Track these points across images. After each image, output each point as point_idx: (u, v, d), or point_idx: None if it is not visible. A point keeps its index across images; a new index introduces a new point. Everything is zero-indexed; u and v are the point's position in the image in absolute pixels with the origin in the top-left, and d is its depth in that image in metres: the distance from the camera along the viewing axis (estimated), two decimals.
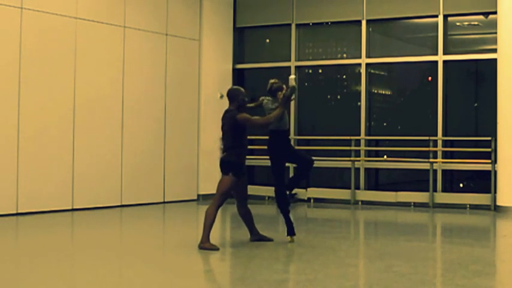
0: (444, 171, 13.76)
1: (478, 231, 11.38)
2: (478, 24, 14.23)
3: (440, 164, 13.67)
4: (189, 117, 14.52)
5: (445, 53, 13.85)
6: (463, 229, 11.60)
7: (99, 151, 12.73)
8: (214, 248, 8.33)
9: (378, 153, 14.52)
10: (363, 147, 14.22)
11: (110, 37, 13.00)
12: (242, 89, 8.82)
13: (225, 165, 8.65)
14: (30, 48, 11.68)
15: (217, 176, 14.94)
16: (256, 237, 8.99)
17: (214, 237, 10.11)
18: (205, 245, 8.38)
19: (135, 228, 10.94)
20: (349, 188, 14.13)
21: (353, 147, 14.12)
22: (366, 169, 14.27)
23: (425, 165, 13.64)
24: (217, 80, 15.07)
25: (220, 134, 9.11)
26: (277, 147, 8.98)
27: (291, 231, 8.97)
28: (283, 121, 8.92)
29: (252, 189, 14.92)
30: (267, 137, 9.07)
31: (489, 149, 13.09)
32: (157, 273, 7.18)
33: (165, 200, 13.93)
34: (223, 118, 8.81)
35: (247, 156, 8.97)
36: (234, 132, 8.59)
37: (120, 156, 13.12)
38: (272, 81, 9.10)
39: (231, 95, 8.74)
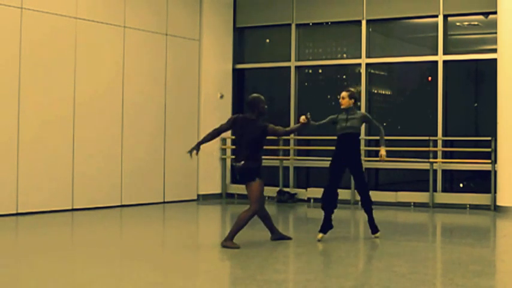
0: (444, 171, 13.76)
1: (478, 231, 11.38)
2: (478, 24, 14.23)
3: (440, 164, 13.67)
4: (189, 117, 14.52)
5: (445, 53, 13.85)
6: (463, 229, 11.60)
7: (99, 151, 12.73)
8: (235, 247, 8.41)
9: (378, 153, 14.50)
10: (363, 147, 14.21)
11: (109, 37, 13.00)
12: (262, 97, 8.80)
13: (250, 172, 8.59)
14: (30, 48, 11.68)
15: (217, 176, 15.11)
16: (277, 236, 9.07)
17: (215, 237, 10.12)
18: (227, 243, 8.47)
19: (135, 228, 10.93)
20: (349, 188, 14.13)
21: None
22: (366, 169, 14.24)
23: (425, 165, 13.64)
24: (217, 80, 15.08)
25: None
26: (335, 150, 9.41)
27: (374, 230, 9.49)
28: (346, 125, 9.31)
29: None
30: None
31: (489, 149, 13.09)
32: (157, 273, 7.18)
33: (165, 200, 13.93)
34: (244, 127, 8.69)
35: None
36: (259, 143, 8.62)
37: (120, 156, 13.13)
38: (353, 89, 9.56)
39: (252, 103, 8.72)
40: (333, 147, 9.56)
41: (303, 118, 8.85)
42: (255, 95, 8.84)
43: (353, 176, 9.71)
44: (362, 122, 9.50)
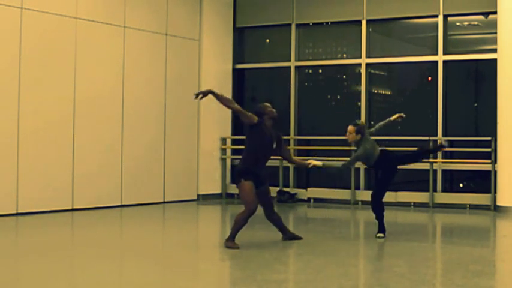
0: (444, 171, 13.76)
1: (478, 231, 11.38)
2: (478, 24, 14.22)
3: (440, 164, 13.66)
4: (189, 117, 14.51)
5: (445, 53, 13.85)
6: (463, 229, 11.60)
7: (99, 151, 12.73)
8: (236, 247, 8.46)
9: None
10: None
11: (109, 37, 12.99)
12: (266, 103, 8.89)
13: (236, 173, 8.87)
14: (30, 48, 11.68)
15: (217, 176, 15.12)
16: (288, 235, 9.13)
17: (215, 237, 10.12)
18: (229, 243, 8.53)
19: (135, 228, 10.93)
20: (349, 188, 14.13)
21: (353, 147, 14.08)
22: (366, 169, 14.25)
23: (425, 165, 13.63)
24: (217, 80, 15.06)
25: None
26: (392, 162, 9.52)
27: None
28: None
29: None
30: None
31: (489, 149, 13.09)
32: (157, 273, 7.18)
33: (165, 200, 13.93)
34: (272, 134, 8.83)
35: None
36: (247, 143, 8.80)
37: (120, 156, 13.12)
38: (359, 122, 9.50)
39: (258, 112, 8.77)
40: (334, 147, 9.61)
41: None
42: (259, 104, 8.95)
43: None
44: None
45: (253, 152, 8.67)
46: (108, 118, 12.92)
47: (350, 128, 9.28)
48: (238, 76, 15.72)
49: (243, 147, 15.13)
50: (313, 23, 15.27)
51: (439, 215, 12.82)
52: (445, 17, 13.89)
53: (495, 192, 12.86)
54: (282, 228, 9.15)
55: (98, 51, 12.78)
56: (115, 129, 13.05)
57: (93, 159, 12.60)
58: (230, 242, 8.52)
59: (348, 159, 9.53)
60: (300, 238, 9.22)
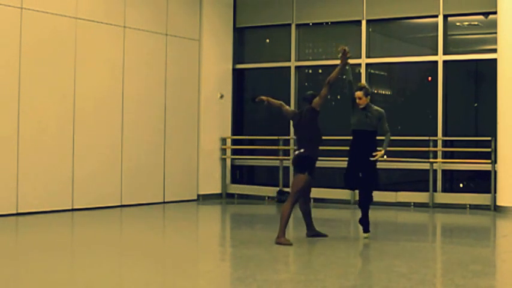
0: (444, 171, 13.76)
1: (478, 231, 11.38)
2: (478, 24, 14.23)
3: (440, 164, 13.66)
4: (189, 117, 14.51)
5: (445, 53, 13.85)
6: (463, 229, 11.60)
7: (99, 151, 12.73)
8: (289, 244, 8.61)
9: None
10: None
11: (109, 37, 13.00)
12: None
13: (302, 162, 8.93)
14: (30, 48, 11.68)
15: (217, 176, 15.11)
16: (313, 232, 9.30)
17: (215, 237, 10.12)
18: (281, 240, 8.67)
19: (135, 229, 10.94)
20: None
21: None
22: None
23: (425, 165, 13.64)
24: (217, 80, 15.07)
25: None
26: (351, 146, 9.58)
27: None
28: (354, 121, 9.46)
29: (252, 189, 14.97)
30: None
31: (489, 149, 13.09)
32: (158, 273, 7.18)
33: (165, 200, 13.93)
34: (300, 115, 9.22)
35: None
36: (308, 130, 9.13)
37: (120, 156, 13.12)
38: (364, 85, 9.79)
39: (306, 98, 9.39)
40: (334, 147, 9.60)
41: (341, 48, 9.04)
42: (310, 92, 9.50)
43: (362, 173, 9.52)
44: (378, 120, 9.44)
45: (319, 138, 9.10)
46: (108, 118, 12.92)
47: (359, 93, 9.48)
48: (238, 76, 15.72)
49: (243, 147, 15.34)
50: (313, 23, 15.27)
51: (439, 215, 12.82)
52: (445, 17, 13.89)
53: (495, 192, 12.86)
54: (309, 223, 9.30)
55: (98, 51, 12.78)
56: (115, 129, 13.05)
57: (93, 159, 12.61)
58: (282, 238, 8.67)
59: (387, 134, 9.47)
60: (325, 235, 9.34)
